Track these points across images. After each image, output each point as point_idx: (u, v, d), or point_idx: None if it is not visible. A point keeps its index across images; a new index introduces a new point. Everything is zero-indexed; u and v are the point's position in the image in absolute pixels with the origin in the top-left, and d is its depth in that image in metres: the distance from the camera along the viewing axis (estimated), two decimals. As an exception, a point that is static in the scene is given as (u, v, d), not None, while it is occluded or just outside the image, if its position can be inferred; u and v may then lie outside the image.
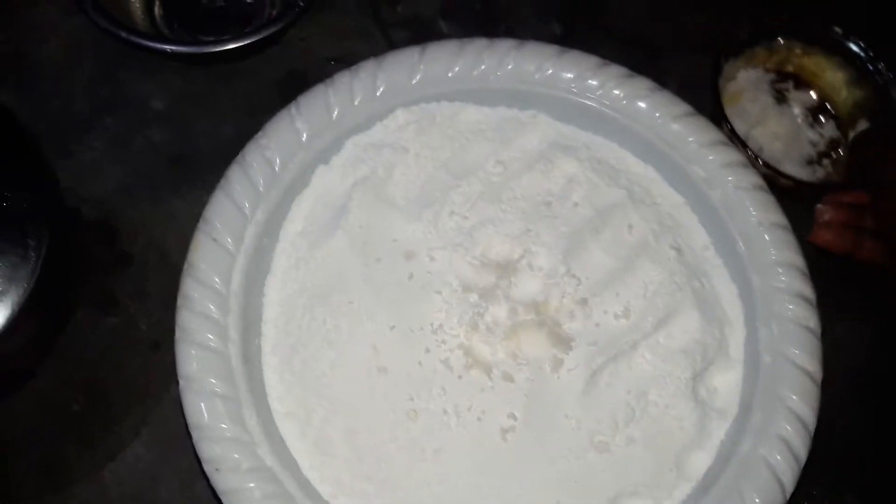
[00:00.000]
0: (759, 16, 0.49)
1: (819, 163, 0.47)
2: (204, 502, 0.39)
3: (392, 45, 0.49)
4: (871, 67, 0.47)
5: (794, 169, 0.46)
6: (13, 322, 0.32)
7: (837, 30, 0.47)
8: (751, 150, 0.44)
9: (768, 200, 0.38)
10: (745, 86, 0.49)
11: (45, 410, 0.40)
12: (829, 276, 0.44)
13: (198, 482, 0.39)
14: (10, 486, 0.39)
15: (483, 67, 0.40)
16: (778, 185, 0.42)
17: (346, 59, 0.46)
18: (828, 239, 0.42)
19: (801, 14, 0.50)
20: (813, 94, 0.49)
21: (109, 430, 0.40)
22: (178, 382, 0.35)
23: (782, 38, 0.49)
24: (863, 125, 0.47)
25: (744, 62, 0.49)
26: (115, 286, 0.43)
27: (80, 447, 0.40)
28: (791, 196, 0.42)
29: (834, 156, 0.48)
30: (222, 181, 0.36)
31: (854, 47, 0.47)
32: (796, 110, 0.49)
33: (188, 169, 0.46)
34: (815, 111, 0.49)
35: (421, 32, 0.50)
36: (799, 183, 0.44)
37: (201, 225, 0.35)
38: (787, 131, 0.48)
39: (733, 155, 0.39)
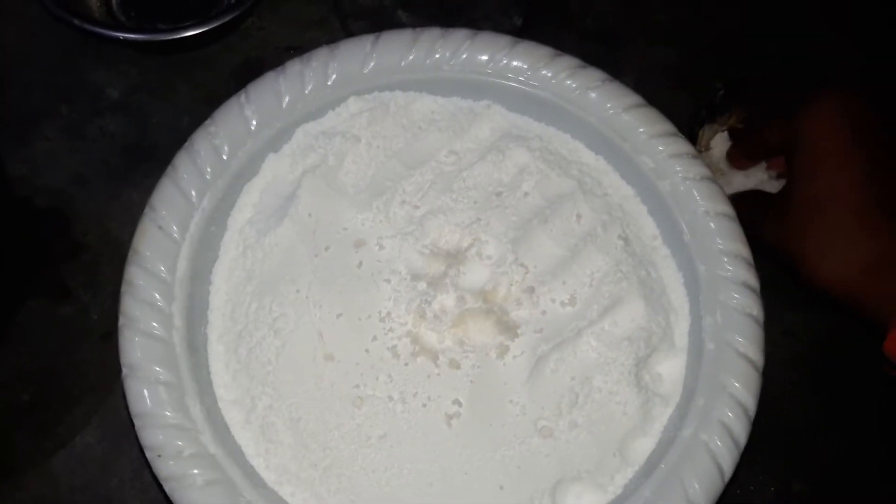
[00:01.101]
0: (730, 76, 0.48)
1: None
2: (153, 491, 0.39)
3: (351, 35, 0.49)
4: None
5: None
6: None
7: None
8: None
9: (715, 191, 0.38)
10: (721, 155, 0.47)
11: (-6, 399, 0.40)
12: (779, 267, 0.45)
13: (146, 471, 0.39)
14: (-42, 476, 0.39)
15: (437, 57, 0.40)
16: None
17: (306, 49, 0.45)
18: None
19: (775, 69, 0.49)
20: None
21: (60, 420, 0.40)
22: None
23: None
24: None
25: (720, 125, 0.47)
26: (67, 276, 0.43)
27: (29, 437, 0.40)
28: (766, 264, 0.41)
29: None
30: (169, 168, 0.36)
31: None
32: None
33: (144, 159, 0.46)
34: None
35: (380, 23, 0.51)
36: None
37: (147, 212, 0.35)
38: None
39: (682, 146, 0.39)
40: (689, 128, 0.46)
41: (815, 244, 0.38)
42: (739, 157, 0.46)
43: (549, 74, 0.40)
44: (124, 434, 0.40)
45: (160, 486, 0.33)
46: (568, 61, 0.41)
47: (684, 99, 0.49)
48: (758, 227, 0.40)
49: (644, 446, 0.35)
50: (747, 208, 0.41)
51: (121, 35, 0.43)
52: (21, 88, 0.47)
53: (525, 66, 0.40)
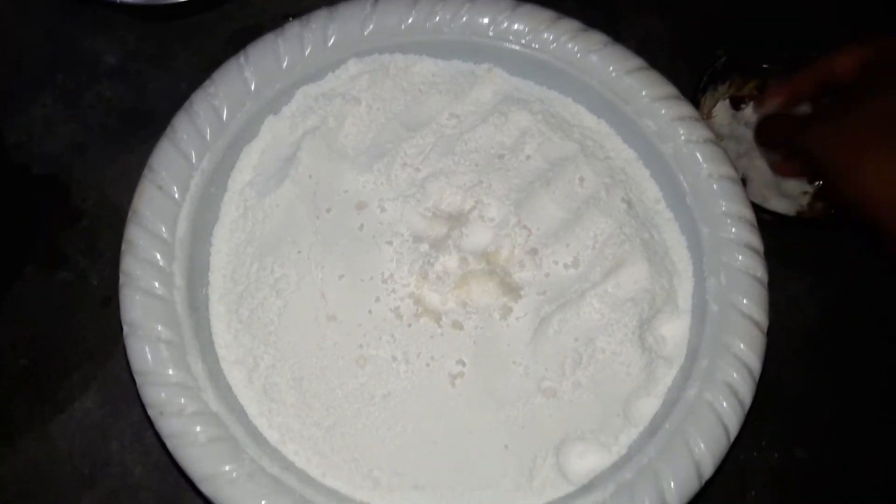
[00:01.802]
0: (734, 45, 0.48)
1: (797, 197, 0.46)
2: (155, 454, 0.39)
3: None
4: None
5: (775, 204, 0.45)
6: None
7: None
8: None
9: (718, 153, 0.38)
10: (724, 122, 0.47)
11: (-8, 365, 0.40)
12: (786, 236, 0.45)
13: (147, 434, 0.39)
14: (-43, 442, 0.39)
15: (437, 19, 0.39)
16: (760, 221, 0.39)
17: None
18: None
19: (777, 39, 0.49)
20: None
21: (58, 385, 0.40)
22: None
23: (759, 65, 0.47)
24: None
25: (722, 93, 0.47)
26: (65, 243, 0.42)
27: (28, 403, 0.39)
28: (772, 231, 0.41)
29: (811, 189, 0.45)
30: (168, 129, 0.35)
31: None
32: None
33: (141, 125, 0.45)
34: None
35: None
36: (780, 217, 0.43)
37: (146, 173, 0.34)
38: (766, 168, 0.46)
39: (685, 109, 0.39)
40: (692, 95, 0.46)
41: (877, 160, 0.37)
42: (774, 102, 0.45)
43: (551, 37, 0.40)
44: (123, 399, 0.40)
45: (163, 447, 0.33)
46: (569, 24, 0.40)
47: (683, 66, 0.48)
48: (796, 138, 0.41)
49: (648, 407, 0.35)
50: (781, 123, 0.42)
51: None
52: (16, 55, 0.46)
53: (526, 29, 0.40)
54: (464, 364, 0.34)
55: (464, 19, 0.40)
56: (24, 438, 0.39)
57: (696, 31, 0.52)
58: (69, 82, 0.46)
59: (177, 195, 0.34)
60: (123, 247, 0.33)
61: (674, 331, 0.36)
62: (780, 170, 0.45)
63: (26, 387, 0.40)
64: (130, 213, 0.34)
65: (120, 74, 0.46)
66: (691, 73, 0.47)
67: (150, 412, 0.31)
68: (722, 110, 0.48)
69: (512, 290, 0.36)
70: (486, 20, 0.40)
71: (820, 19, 0.52)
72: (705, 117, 0.47)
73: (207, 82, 0.36)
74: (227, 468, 0.30)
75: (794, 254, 0.46)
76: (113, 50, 0.47)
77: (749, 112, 0.47)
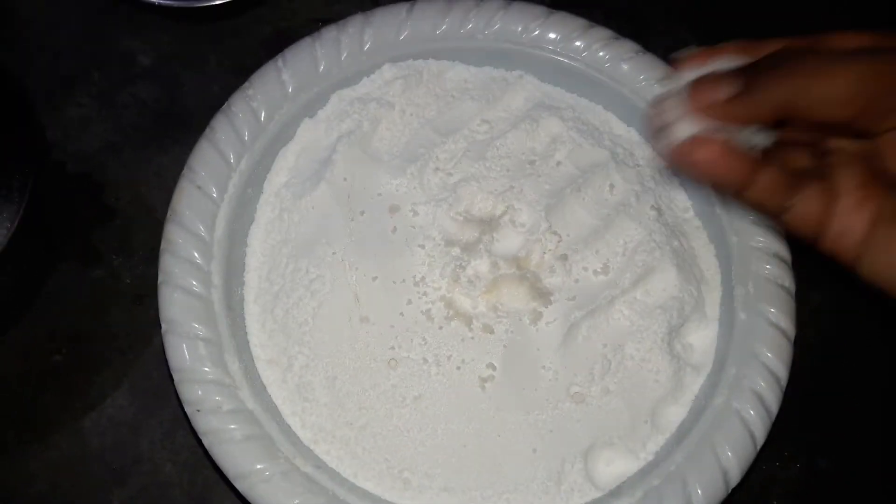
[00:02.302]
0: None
1: None
2: (185, 453, 0.39)
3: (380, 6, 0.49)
4: None
5: None
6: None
7: None
8: None
9: (748, 163, 0.39)
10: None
11: (26, 360, 0.40)
12: (808, 247, 0.45)
13: (178, 433, 0.39)
14: (-10, 435, 0.39)
15: (470, 26, 0.40)
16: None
17: (335, 21, 0.46)
18: (706, 158, 0.25)
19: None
20: None
21: (91, 381, 0.40)
22: (160, 334, 0.35)
23: None
24: None
25: None
26: (99, 240, 0.43)
27: (60, 398, 0.40)
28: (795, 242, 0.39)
29: None
30: (207, 130, 0.36)
31: None
32: None
33: (175, 126, 0.46)
34: None
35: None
36: None
37: (185, 173, 0.35)
38: None
39: (715, 118, 0.39)
40: None
41: None
42: None
43: (582, 45, 0.40)
44: (155, 397, 0.40)
45: (196, 445, 0.34)
46: (601, 32, 0.41)
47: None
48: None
49: (676, 414, 0.35)
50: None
51: (155, 0, 0.43)
52: (52, 55, 0.47)
53: (558, 37, 0.40)
54: (494, 368, 0.35)
55: (497, 26, 0.40)
56: (56, 434, 0.39)
57: (724, 41, 0.52)
58: (104, 82, 0.46)
59: (215, 195, 0.35)
60: (163, 245, 0.34)
61: (701, 339, 0.37)
62: None
63: (59, 382, 0.40)
64: (170, 213, 0.34)
65: (154, 75, 0.47)
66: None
67: (187, 409, 0.32)
68: None
69: (542, 295, 0.36)
70: (519, 27, 0.40)
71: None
72: None
73: (246, 84, 0.37)
74: (261, 466, 0.31)
75: (817, 264, 0.46)
76: (147, 51, 0.47)
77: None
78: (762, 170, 0.26)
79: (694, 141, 0.26)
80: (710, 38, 0.51)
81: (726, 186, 0.26)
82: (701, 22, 0.52)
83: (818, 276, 0.46)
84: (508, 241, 0.37)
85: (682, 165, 0.27)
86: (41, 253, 0.41)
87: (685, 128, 0.26)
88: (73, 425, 0.39)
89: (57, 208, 0.43)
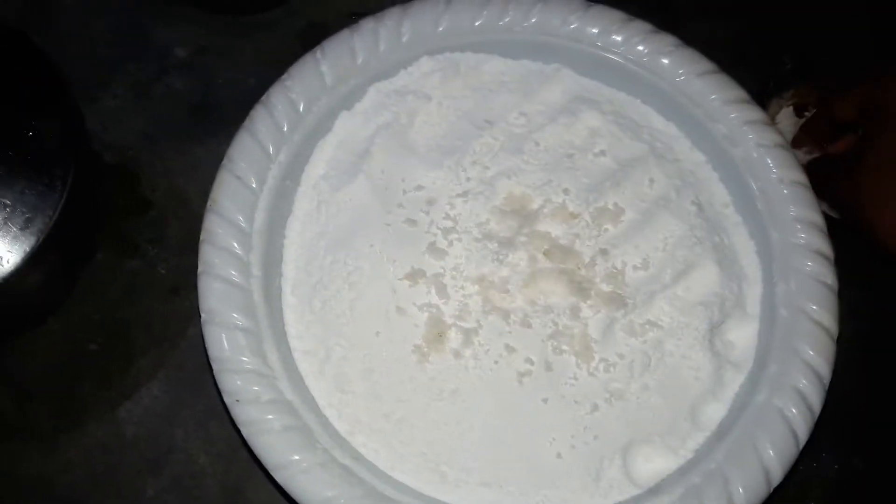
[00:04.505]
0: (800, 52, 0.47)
1: None
2: (219, 444, 0.39)
3: None
4: None
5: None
6: (41, 247, 0.33)
7: None
8: None
9: (789, 158, 0.38)
10: (787, 129, 0.46)
11: (63, 349, 0.41)
12: (843, 244, 0.45)
13: (212, 423, 0.40)
14: (26, 422, 0.40)
15: (508, 19, 0.40)
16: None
17: (369, 14, 0.46)
18: None
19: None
20: None
21: (126, 371, 0.40)
22: (196, 326, 0.35)
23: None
24: None
25: (786, 100, 0.46)
26: (135, 231, 0.43)
27: (96, 387, 0.40)
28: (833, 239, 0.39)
29: None
30: (247, 121, 0.36)
31: None
32: None
33: (210, 118, 0.46)
34: None
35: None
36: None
37: (225, 163, 0.35)
38: None
39: (755, 113, 0.39)
40: (758, 99, 0.45)
41: (891, 205, 0.37)
42: (807, 138, 0.45)
43: (621, 39, 0.40)
44: (189, 388, 0.40)
45: (234, 435, 0.33)
46: (640, 26, 0.40)
47: (745, 72, 0.48)
48: (829, 190, 0.40)
49: (716, 412, 0.35)
50: (818, 172, 0.40)
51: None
52: (88, 47, 0.47)
53: (596, 31, 0.40)
54: (532, 363, 0.34)
55: (534, 19, 0.40)
56: (91, 422, 0.40)
57: (761, 36, 0.51)
58: (140, 74, 0.46)
59: (255, 186, 0.35)
60: (203, 235, 0.34)
61: (742, 336, 0.36)
62: None
63: (95, 371, 0.40)
64: (210, 202, 0.34)
65: (189, 68, 0.47)
66: (754, 79, 0.47)
67: (226, 399, 0.32)
68: (785, 117, 0.47)
69: (581, 290, 0.36)
70: (556, 20, 0.40)
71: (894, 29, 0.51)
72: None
73: (285, 76, 0.37)
74: (299, 457, 0.31)
75: (855, 262, 0.45)
76: (182, 43, 0.47)
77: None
78: None
79: None
80: (745, 32, 0.51)
81: None
82: (736, 15, 0.52)
83: (856, 272, 0.45)
84: (546, 235, 0.37)
85: None
86: (79, 243, 0.41)
87: None
88: (109, 414, 0.40)
89: (94, 200, 0.44)
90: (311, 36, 0.48)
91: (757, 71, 0.47)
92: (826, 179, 0.40)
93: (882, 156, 0.37)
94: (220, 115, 0.46)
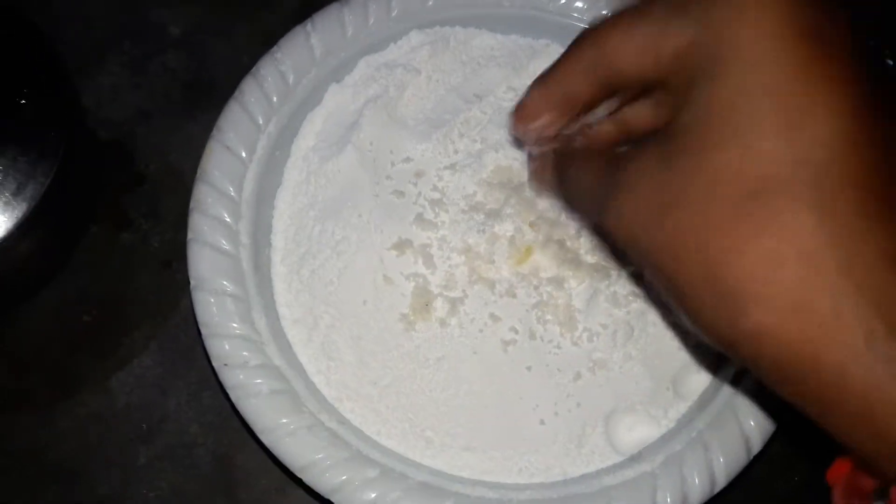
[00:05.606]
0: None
1: None
2: (210, 414, 0.40)
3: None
4: None
5: None
6: (33, 213, 0.33)
7: None
8: None
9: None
10: None
11: (57, 320, 0.41)
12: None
13: (204, 394, 0.40)
14: (21, 392, 0.40)
15: (498, -7, 0.40)
16: None
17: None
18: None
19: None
20: None
21: (119, 342, 0.41)
22: (187, 297, 0.35)
23: None
24: None
25: None
26: (129, 205, 0.44)
27: (90, 357, 0.41)
28: None
29: None
30: (236, 92, 0.36)
31: None
32: None
33: (204, 95, 0.46)
34: None
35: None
36: None
37: (214, 133, 0.35)
38: None
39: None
40: None
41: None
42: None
43: (609, 14, 0.40)
44: (181, 359, 0.41)
45: (224, 402, 0.34)
46: (628, 0, 0.40)
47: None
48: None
49: (698, 382, 0.35)
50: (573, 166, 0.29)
51: (186, -31, 0.44)
52: (84, 24, 0.48)
53: (585, 6, 0.40)
54: (516, 331, 0.35)
55: (524, -6, 0.40)
56: (85, 392, 0.40)
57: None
58: (135, 51, 0.47)
59: (244, 156, 0.35)
60: (192, 204, 0.34)
61: (726, 308, 0.36)
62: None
63: (88, 342, 0.41)
64: (199, 172, 0.35)
65: (184, 45, 0.47)
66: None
67: (215, 364, 0.32)
68: None
69: (567, 260, 0.36)
70: (546, -5, 0.40)
71: None
72: None
73: (275, 48, 0.37)
74: (287, 420, 0.31)
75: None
76: (177, 21, 0.48)
77: None
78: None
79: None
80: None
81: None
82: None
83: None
84: (533, 207, 0.37)
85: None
86: (73, 216, 0.42)
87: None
88: (102, 384, 0.40)
89: (88, 174, 0.44)
90: (305, 15, 0.48)
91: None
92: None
93: (709, 135, 0.22)
94: (215, 93, 0.46)
